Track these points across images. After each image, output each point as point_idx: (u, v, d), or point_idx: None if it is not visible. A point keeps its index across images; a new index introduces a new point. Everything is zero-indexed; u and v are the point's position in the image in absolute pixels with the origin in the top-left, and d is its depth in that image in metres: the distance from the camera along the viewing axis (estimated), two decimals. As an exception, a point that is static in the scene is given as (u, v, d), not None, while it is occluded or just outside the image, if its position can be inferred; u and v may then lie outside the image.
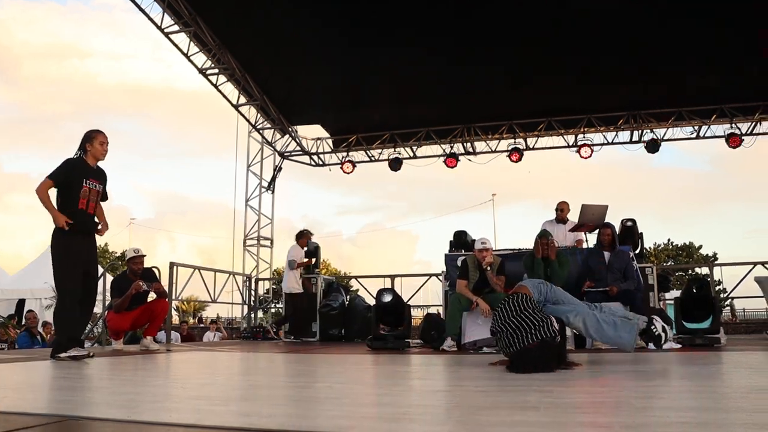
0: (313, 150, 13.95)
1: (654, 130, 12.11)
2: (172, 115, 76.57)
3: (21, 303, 14.02)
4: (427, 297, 11.01)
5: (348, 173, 13.23)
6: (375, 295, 7.74)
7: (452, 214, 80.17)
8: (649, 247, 38.73)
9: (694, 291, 6.70)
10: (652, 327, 4.39)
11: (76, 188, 5.16)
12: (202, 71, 11.33)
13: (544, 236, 6.69)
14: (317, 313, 9.81)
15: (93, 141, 5.31)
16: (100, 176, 5.41)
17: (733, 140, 11.50)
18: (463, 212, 74.17)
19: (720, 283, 10.81)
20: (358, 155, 13.61)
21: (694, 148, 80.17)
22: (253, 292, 12.30)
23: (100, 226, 5.40)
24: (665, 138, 12.12)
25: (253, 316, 12.23)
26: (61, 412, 2.28)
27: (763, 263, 9.31)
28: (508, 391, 2.89)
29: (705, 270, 11.38)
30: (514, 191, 61.62)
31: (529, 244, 7.00)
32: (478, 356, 5.45)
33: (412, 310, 8.12)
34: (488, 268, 6.32)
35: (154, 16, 10.11)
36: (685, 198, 63.19)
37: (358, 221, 74.08)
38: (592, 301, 4.91)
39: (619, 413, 2.17)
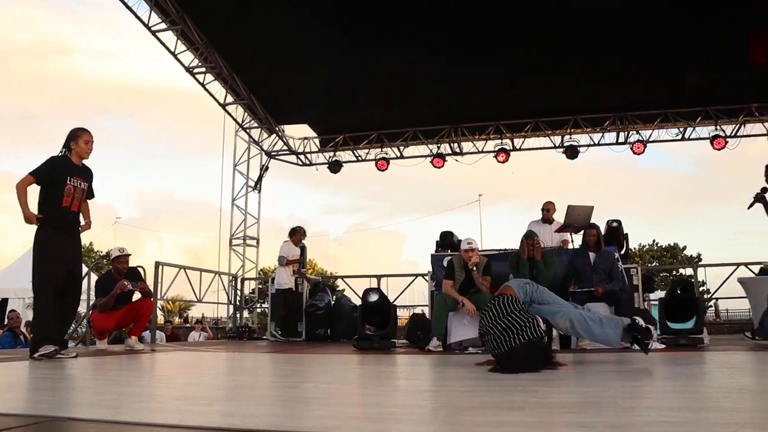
0: (300, 149, 13.91)
1: (640, 131, 12.21)
2: (158, 114, 76.23)
3: (4, 302, 13.82)
4: (413, 297, 11.02)
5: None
6: (361, 295, 7.73)
7: (439, 214, 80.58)
8: (634, 248, 38.91)
9: (679, 292, 6.74)
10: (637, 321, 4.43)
11: (60, 186, 5.12)
12: (189, 70, 11.25)
13: (530, 237, 6.71)
14: (303, 313, 9.81)
15: (78, 139, 5.27)
16: (85, 174, 5.37)
17: (718, 142, 11.61)
18: (450, 212, 74.68)
19: (704, 283, 10.92)
20: (345, 155, 13.59)
21: (679, 150, 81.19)
22: (239, 292, 12.27)
23: (83, 224, 5.37)
24: (651, 140, 12.24)
25: (238, 315, 12.18)
26: (43, 413, 2.25)
27: (746, 264, 9.42)
28: (494, 391, 2.90)
29: (689, 271, 11.45)
30: (500, 192, 62.01)
31: (515, 244, 7.01)
32: (464, 356, 5.47)
33: (398, 310, 8.11)
34: (474, 269, 6.32)
35: (141, 14, 10.03)
36: (670, 199, 63.83)
37: (344, 221, 74.24)
38: (577, 302, 4.94)
39: (603, 413, 2.18)
